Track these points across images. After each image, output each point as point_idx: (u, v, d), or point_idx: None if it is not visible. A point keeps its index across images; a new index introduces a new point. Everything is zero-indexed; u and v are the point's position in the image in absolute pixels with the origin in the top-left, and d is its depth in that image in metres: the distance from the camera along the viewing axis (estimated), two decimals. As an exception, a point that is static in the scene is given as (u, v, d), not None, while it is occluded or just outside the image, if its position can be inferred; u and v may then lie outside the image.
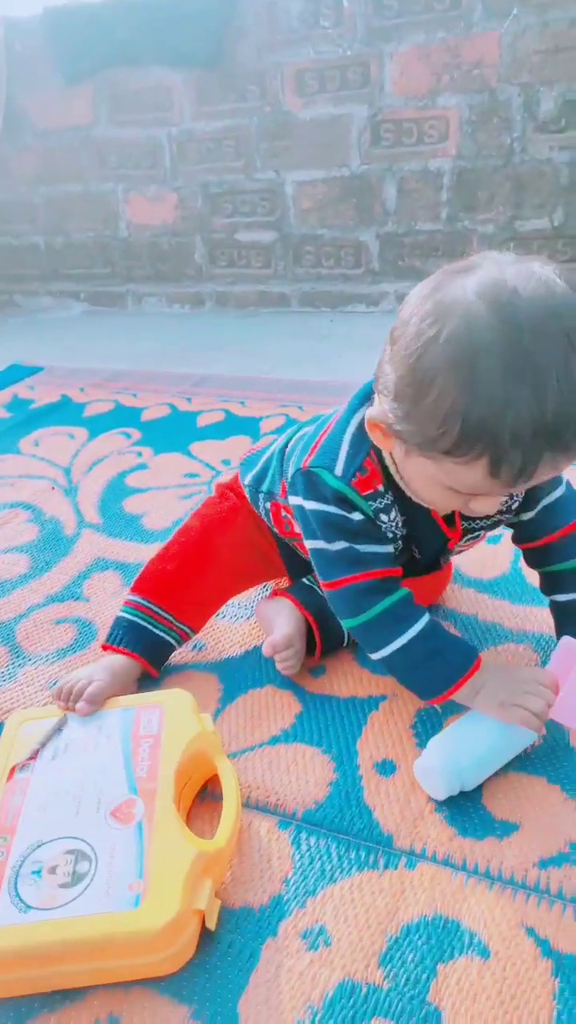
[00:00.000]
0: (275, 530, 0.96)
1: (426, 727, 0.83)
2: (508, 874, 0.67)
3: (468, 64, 2.06)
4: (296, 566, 0.99)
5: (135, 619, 0.91)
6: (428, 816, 0.73)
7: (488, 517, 0.82)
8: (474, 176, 2.18)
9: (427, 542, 0.84)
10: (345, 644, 0.94)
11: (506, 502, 0.80)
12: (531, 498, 0.82)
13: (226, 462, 1.46)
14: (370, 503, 0.76)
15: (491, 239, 2.22)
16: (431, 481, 0.68)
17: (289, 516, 0.89)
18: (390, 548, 0.79)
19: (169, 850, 0.64)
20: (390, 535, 0.79)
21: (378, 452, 0.75)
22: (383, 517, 0.78)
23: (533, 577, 0.96)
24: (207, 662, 0.95)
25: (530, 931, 0.62)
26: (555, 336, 0.56)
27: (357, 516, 0.76)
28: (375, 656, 0.79)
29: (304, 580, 0.97)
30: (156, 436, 1.62)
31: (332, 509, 0.76)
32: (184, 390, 1.87)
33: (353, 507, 0.76)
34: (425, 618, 0.78)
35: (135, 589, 0.94)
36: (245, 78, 2.33)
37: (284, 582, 1.04)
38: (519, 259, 0.61)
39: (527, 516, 0.83)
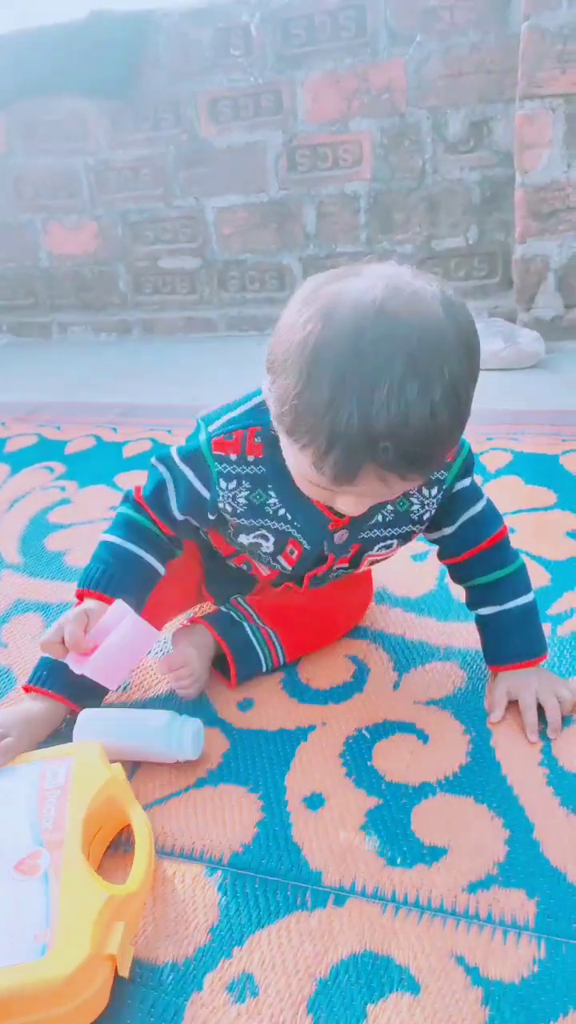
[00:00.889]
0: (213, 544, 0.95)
1: (355, 754, 0.82)
2: (437, 902, 0.66)
3: (377, 89, 2.10)
4: (222, 586, 0.98)
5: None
6: (357, 848, 0.72)
7: (384, 526, 0.82)
8: (390, 198, 2.22)
9: (309, 526, 0.81)
10: (265, 670, 0.92)
11: (392, 512, 0.81)
12: (450, 513, 0.84)
13: (152, 493, 1.44)
14: (217, 464, 0.78)
15: (410, 259, 2.26)
16: (293, 464, 0.70)
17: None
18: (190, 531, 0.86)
19: (77, 897, 0.61)
20: (229, 509, 0.80)
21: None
22: (223, 484, 0.79)
23: (459, 592, 0.97)
24: (132, 702, 0.93)
25: (460, 959, 0.61)
26: (397, 354, 0.56)
27: (190, 476, 0.81)
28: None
29: (223, 608, 0.96)
30: (80, 469, 1.58)
31: (186, 452, 0.81)
32: (110, 420, 1.85)
33: (200, 464, 0.79)
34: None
35: None
36: (159, 106, 2.34)
37: (208, 607, 1.03)
38: (411, 274, 0.61)
39: (448, 531, 0.85)
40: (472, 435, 1.55)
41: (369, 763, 0.81)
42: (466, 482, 0.83)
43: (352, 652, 0.98)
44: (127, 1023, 0.59)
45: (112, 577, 0.84)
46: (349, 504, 0.68)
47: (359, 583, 1.01)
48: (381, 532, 0.83)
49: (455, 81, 2.03)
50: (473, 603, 0.90)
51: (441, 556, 0.90)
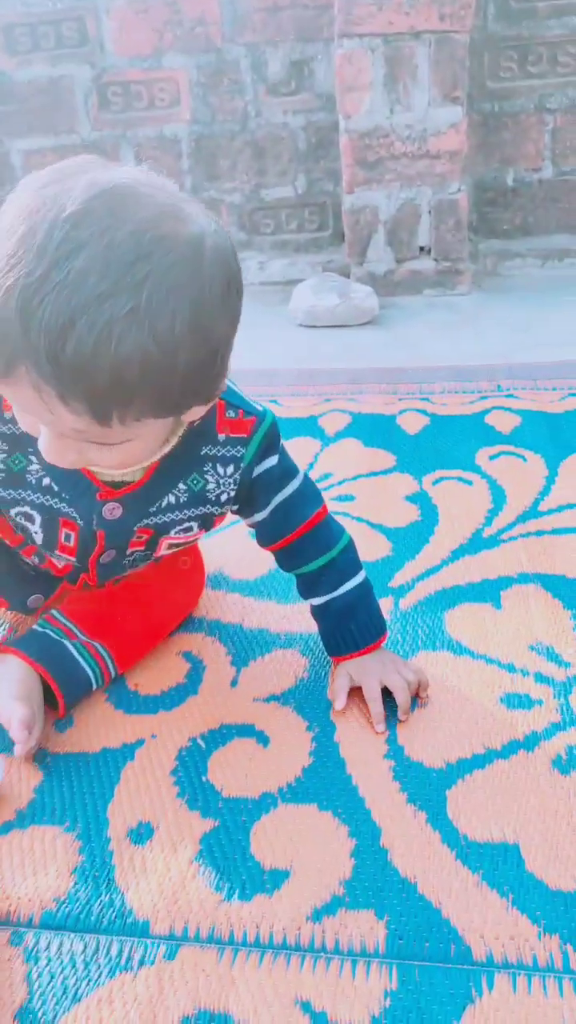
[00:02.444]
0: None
1: (188, 769, 0.73)
2: (280, 937, 0.59)
3: (190, 21, 1.94)
4: (15, 587, 0.85)
5: None
6: (190, 883, 0.63)
7: (178, 508, 0.73)
8: (212, 143, 2.08)
9: (77, 499, 0.70)
10: (95, 687, 0.81)
11: (185, 492, 0.72)
12: (258, 497, 0.76)
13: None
14: None
15: (239, 209, 2.14)
16: None
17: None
18: None
19: None
20: None
21: None
22: None
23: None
24: None
25: (305, 1006, 0.54)
26: (94, 240, 0.46)
27: None
28: None
29: (36, 626, 0.83)
30: None
31: None
32: None
33: None
34: None
35: None
36: (-55, 32, 2.05)
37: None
38: (137, 175, 0.51)
39: (260, 516, 0.77)
40: (311, 396, 1.51)
41: (204, 778, 0.73)
42: (271, 461, 0.74)
43: (185, 648, 0.89)
44: None
45: None
46: (43, 443, 0.56)
47: (185, 572, 0.91)
48: (175, 515, 0.74)
49: (272, 16, 1.90)
50: (303, 592, 0.83)
51: (260, 543, 0.82)
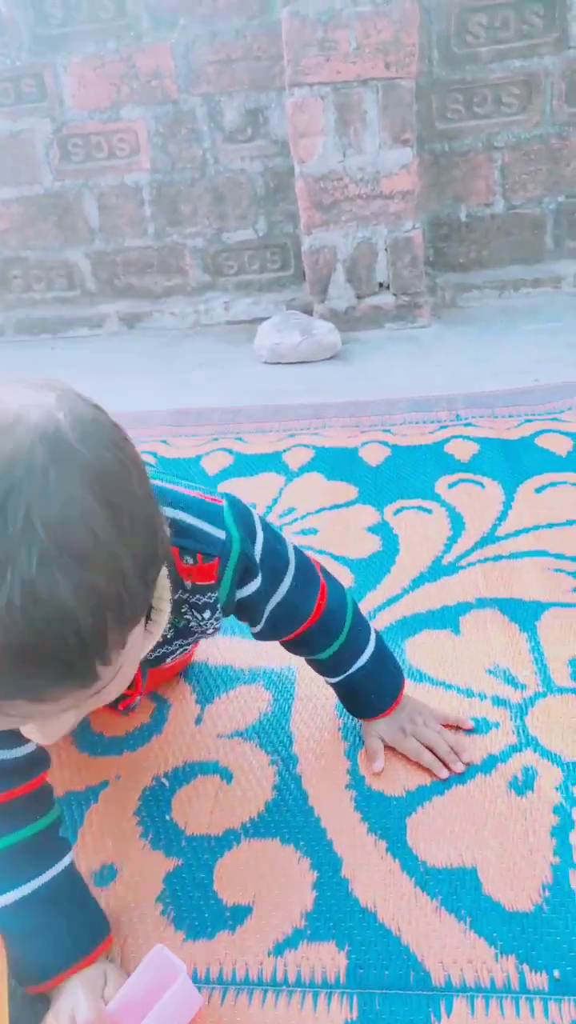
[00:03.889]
0: None
1: (151, 809, 0.74)
2: (242, 973, 0.59)
3: (146, 75, 2.00)
4: None
5: None
6: (151, 920, 0.64)
7: (167, 643, 0.67)
8: (173, 189, 2.13)
9: None
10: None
11: (171, 629, 0.65)
12: (250, 614, 0.67)
13: None
14: None
15: (203, 252, 2.19)
16: None
17: None
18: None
19: None
20: None
21: None
22: None
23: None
24: None
25: (267, 1042, 0.55)
26: None
27: None
28: None
29: None
30: None
31: None
32: None
33: None
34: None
35: None
36: None
37: None
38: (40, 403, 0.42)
39: (256, 628, 0.70)
40: (275, 432, 1.54)
41: (168, 817, 0.73)
42: (253, 585, 0.63)
43: (150, 688, 0.89)
44: None
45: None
46: (34, 732, 0.47)
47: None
48: (166, 649, 0.69)
49: (225, 67, 1.97)
50: (314, 668, 0.78)
51: (260, 639, 0.74)
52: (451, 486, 1.25)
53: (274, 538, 0.67)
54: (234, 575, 0.61)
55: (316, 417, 1.56)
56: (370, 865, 0.66)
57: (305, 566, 0.70)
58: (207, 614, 0.64)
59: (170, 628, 0.65)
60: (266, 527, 0.66)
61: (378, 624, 0.95)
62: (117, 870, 0.68)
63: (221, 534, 0.60)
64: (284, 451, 1.43)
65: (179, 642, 0.69)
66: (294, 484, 1.31)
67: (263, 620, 0.68)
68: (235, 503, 0.63)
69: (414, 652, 0.91)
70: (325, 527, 1.17)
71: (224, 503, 0.62)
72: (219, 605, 0.63)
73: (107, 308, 2.31)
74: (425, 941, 0.60)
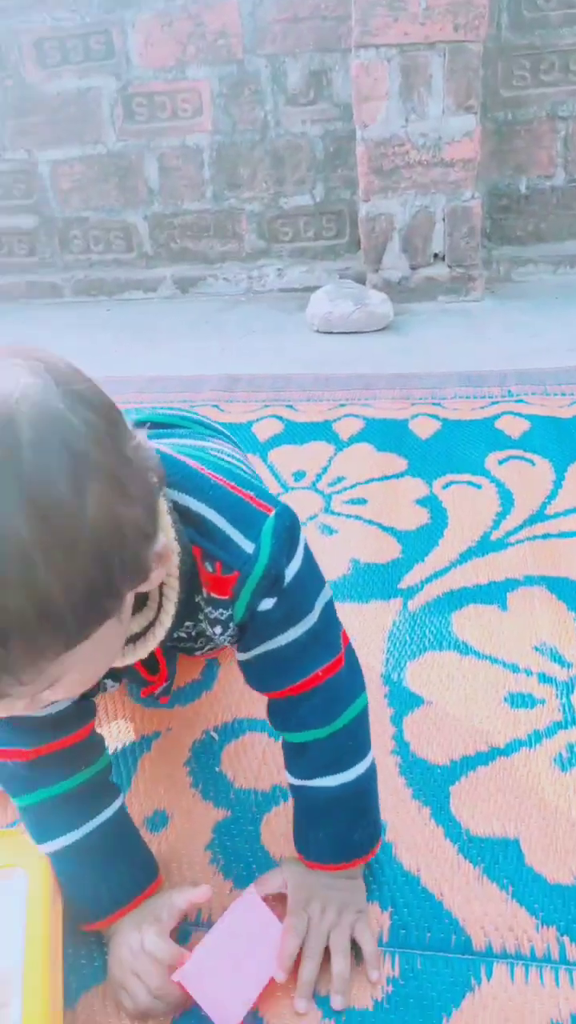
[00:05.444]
0: None
1: (201, 761, 0.76)
2: (287, 922, 0.62)
3: (212, 34, 1.98)
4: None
5: None
6: (200, 867, 0.66)
7: (192, 639, 0.61)
8: (233, 152, 2.11)
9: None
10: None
11: (192, 628, 0.59)
12: (245, 637, 0.58)
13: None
14: None
15: (259, 217, 2.17)
16: None
17: None
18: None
19: None
20: None
21: None
22: None
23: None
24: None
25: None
26: None
27: None
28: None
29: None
30: None
31: None
32: None
33: None
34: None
35: None
36: (-24, 46, 2.11)
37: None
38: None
39: (242, 657, 0.60)
40: (326, 401, 1.54)
41: (217, 769, 0.76)
42: (268, 603, 0.55)
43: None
44: None
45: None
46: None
47: None
48: (192, 644, 0.63)
49: (291, 27, 1.93)
50: (284, 758, 0.64)
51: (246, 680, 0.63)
52: (501, 462, 1.24)
53: (310, 577, 0.58)
54: (252, 597, 0.54)
55: (366, 388, 1.55)
56: (414, 830, 0.68)
57: (329, 629, 0.59)
58: (218, 630, 0.57)
59: (192, 626, 0.59)
60: (307, 559, 0.57)
61: (424, 596, 0.96)
62: (168, 817, 0.71)
63: (249, 547, 0.53)
64: (334, 420, 1.43)
65: (200, 643, 0.62)
66: (344, 454, 1.31)
67: (250, 654, 0.59)
68: (285, 516, 0.55)
69: (461, 626, 0.91)
70: (374, 498, 1.18)
71: (273, 512, 0.55)
72: (232, 624, 0.56)
73: (162, 271, 2.31)
74: (467, 906, 0.62)
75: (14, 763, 0.59)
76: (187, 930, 0.62)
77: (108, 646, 0.46)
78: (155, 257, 2.30)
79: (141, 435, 0.46)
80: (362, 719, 0.61)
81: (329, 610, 0.60)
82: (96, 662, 0.46)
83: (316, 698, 0.59)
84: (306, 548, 0.57)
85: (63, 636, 0.40)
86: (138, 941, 0.58)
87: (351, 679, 0.61)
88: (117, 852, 0.62)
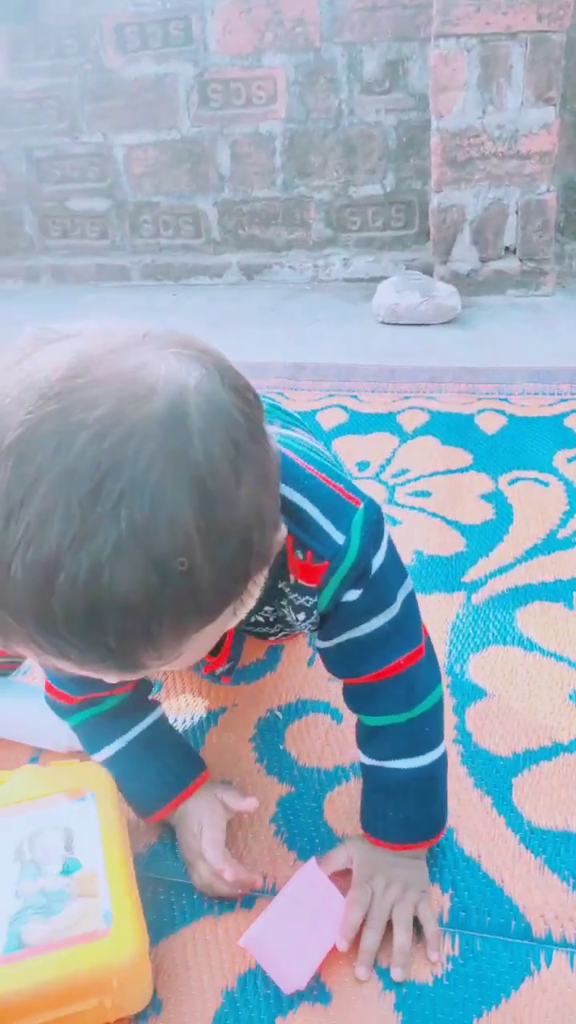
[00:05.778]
0: None
1: (266, 737, 0.78)
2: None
3: (290, 21, 1.98)
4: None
5: None
6: (265, 838, 0.69)
7: (267, 624, 0.64)
8: (306, 140, 2.12)
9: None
10: None
11: (272, 613, 0.62)
12: (328, 626, 0.60)
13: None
14: None
15: (328, 206, 2.18)
16: None
17: None
18: None
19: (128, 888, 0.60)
20: None
21: None
22: None
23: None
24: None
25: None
26: (55, 473, 0.37)
27: None
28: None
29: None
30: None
31: None
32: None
33: None
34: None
35: None
36: (62, 32, 2.15)
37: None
38: (82, 347, 0.41)
39: (322, 644, 0.62)
40: (390, 392, 1.54)
41: (281, 746, 0.78)
42: (353, 595, 0.57)
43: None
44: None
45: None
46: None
47: None
48: (268, 629, 0.65)
49: (370, 16, 1.93)
50: (357, 739, 0.66)
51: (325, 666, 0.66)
52: (570, 460, 1.23)
53: (394, 569, 0.59)
54: (340, 585, 0.56)
55: (432, 381, 1.55)
56: (476, 817, 0.69)
57: (410, 620, 0.61)
58: (302, 616, 0.60)
59: (272, 612, 0.61)
60: (391, 551, 0.59)
61: (489, 591, 0.96)
62: (235, 787, 0.73)
63: (340, 538, 0.55)
64: (399, 412, 1.43)
65: (278, 627, 0.65)
66: (408, 446, 1.32)
67: (332, 642, 0.61)
68: (372, 510, 0.57)
69: (525, 622, 0.91)
70: (438, 490, 1.18)
71: (362, 505, 0.56)
72: (316, 612, 0.59)
73: (229, 258, 2.33)
74: (528, 894, 0.63)
75: (59, 702, 0.66)
76: (252, 897, 0.64)
77: (224, 623, 0.48)
78: (222, 243, 2.32)
79: (271, 427, 0.48)
80: (438, 708, 0.63)
81: (411, 601, 0.61)
82: (213, 637, 0.49)
83: (396, 686, 0.61)
84: (390, 541, 0.59)
85: (205, 616, 0.42)
86: (199, 826, 0.65)
87: (430, 669, 0.63)
88: (164, 751, 0.69)
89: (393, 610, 0.59)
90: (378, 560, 0.57)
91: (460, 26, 1.74)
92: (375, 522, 0.57)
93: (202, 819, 0.65)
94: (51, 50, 2.19)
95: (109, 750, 0.67)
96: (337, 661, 0.63)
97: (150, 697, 0.71)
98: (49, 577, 0.37)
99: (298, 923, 0.59)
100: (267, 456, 0.44)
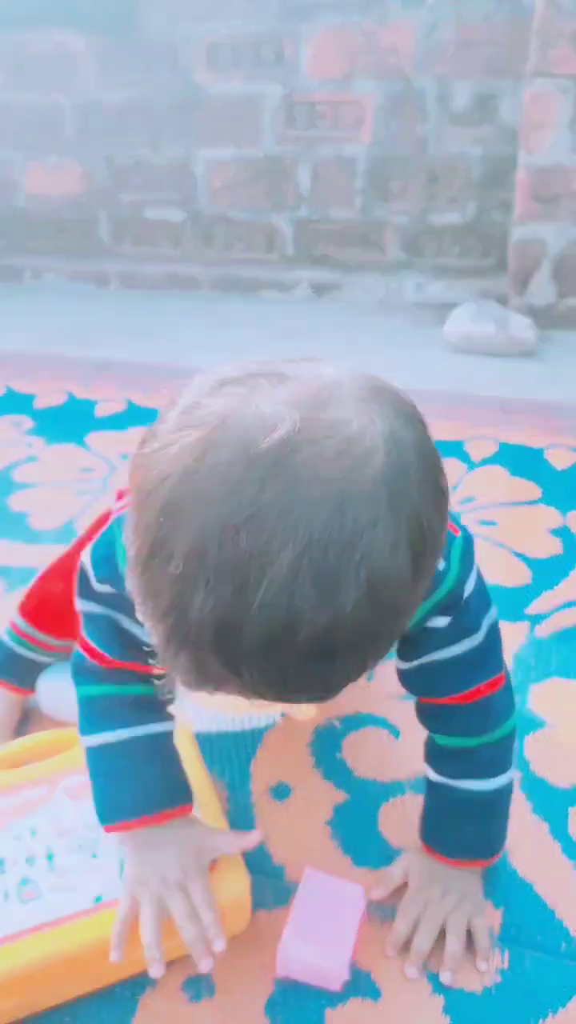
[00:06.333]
0: None
1: (323, 745, 0.80)
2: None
3: (383, 50, 2.02)
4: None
5: (17, 647, 0.83)
6: (320, 841, 0.70)
7: None
8: (388, 165, 2.15)
9: None
10: None
11: None
12: (409, 648, 0.61)
13: (125, 456, 1.39)
14: None
15: (405, 231, 2.21)
16: None
17: None
18: None
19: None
20: None
21: None
22: None
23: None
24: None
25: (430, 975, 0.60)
26: (291, 536, 0.37)
27: None
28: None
29: None
30: (50, 425, 1.52)
31: None
32: (83, 375, 1.78)
33: None
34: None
35: (20, 610, 0.84)
36: (154, 47, 2.23)
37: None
38: (349, 393, 0.41)
39: (402, 665, 0.63)
40: (460, 420, 1.55)
41: (338, 755, 0.79)
42: (441, 621, 0.58)
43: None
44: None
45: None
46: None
47: None
48: None
49: (464, 50, 1.96)
50: (426, 755, 0.67)
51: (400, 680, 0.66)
52: None
53: (480, 597, 0.60)
54: (431, 611, 0.57)
55: (503, 411, 1.56)
56: (532, 841, 0.69)
57: (492, 648, 0.62)
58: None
59: None
60: (480, 579, 0.60)
61: (552, 624, 0.97)
62: (291, 789, 0.75)
63: (440, 564, 0.55)
64: (467, 440, 1.44)
65: None
66: (475, 473, 1.33)
67: (412, 664, 0.61)
68: (470, 539, 0.58)
69: (586, 656, 0.92)
70: (504, 521, 1.19)
71: (460, 533, 0.57)
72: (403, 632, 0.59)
73: (300, 274, 2.37)
74: (581, 921, 0.63)
75: (93, 662, 0.62)
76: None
77: None
78: (295, 259, 2.37)
79: None
80: (511, 736, 0.64)
81: (495, 630, 0.62)
82: None
83: (473, 711, 0.61)
84: (478, 570, 0.60)
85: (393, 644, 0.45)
86: (176, 874, 0.58)
87: (507, 698, 0.64)
88: (154, 763, 0.63)
89: (477, 637, 0.59)
90: (468, 587, 0.58)
91: (557, 67, 1.76)
92: (471, 551, 0.58)
93: (185, 851, 0.60)
94: (142, 64, 2.26)
95: (110, 736, 0.62)
96: (415, 682, 0.64)
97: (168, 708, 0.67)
98: (291, 636, 0.38)
99: (319, 924, 0.60)
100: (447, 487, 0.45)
